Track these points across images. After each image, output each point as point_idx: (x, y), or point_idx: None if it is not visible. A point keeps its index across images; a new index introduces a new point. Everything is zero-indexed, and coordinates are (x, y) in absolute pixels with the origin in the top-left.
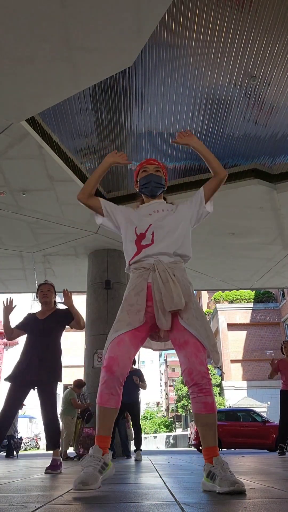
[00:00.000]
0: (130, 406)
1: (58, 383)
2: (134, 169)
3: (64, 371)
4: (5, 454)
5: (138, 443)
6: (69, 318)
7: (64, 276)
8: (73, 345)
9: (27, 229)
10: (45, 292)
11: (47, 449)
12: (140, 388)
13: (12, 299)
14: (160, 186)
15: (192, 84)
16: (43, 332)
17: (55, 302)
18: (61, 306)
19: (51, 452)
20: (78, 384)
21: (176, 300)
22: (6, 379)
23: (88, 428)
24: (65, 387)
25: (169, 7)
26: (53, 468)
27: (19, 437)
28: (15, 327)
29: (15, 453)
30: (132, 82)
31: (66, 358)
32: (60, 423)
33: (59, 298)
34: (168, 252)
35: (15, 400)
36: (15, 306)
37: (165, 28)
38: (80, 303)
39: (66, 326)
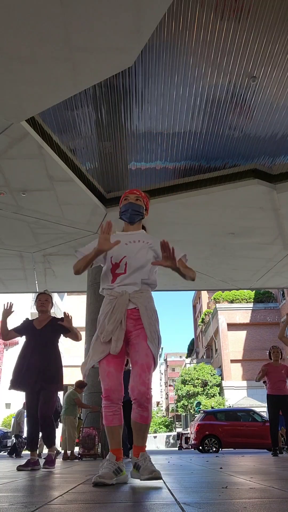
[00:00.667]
0: (126, 405)
1: (59, 392)
2: (134, 169)
3: (64, 371)
4: (7, 453)
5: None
6: (63, 331)
7: (64, 276)
8: (73, 345)
9: (27, 229)
10: (42, 301)
11: (46, 446)
12: None
13: (12, 304)
14: (138, 214)
15: (192, 84)
16: (41, 342)
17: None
18: (61, 303)
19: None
20: (80, 384)
21: (118, 344)
22: (10, 388)
23: (88, 428)
24: (66, 387)
25: (169, 7)
26: (50, 464)
27: (24, 437)
28: (13, 329)
29: (15, 454)
30: (132, 82)
31: (66, 358)
32: (61, 423)
33: (58, 298)
34: (136, 282)
35: (33, 405)
36: (13, 311)
37: (165, 28)
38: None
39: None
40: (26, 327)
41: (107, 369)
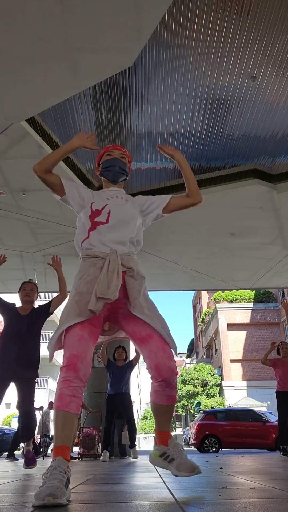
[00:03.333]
0: (121, 399)
1: (37, 378)
2: (134, 169)
3: None
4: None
5: (132, 440)
6: (47, 310)
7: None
8: None
9: (27, 229)
10: (27, 291)
11: (22, 440)
12: (129, 384)
13: (5, 256)
14: (123, 173)
15: (192, 84)
16: (24, 328)
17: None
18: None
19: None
20: None
21: (112, 289)
22: None
23: (88, 428)
24: None
25: (169, 7)
26: (30, 462)
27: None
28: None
29: (41, 454)
30: (132, 82)
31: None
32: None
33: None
34: (123, 241)
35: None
36: (6, 260)
37: (165, 28)
38: None
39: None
40: (11, 309)
41: (80, 333)
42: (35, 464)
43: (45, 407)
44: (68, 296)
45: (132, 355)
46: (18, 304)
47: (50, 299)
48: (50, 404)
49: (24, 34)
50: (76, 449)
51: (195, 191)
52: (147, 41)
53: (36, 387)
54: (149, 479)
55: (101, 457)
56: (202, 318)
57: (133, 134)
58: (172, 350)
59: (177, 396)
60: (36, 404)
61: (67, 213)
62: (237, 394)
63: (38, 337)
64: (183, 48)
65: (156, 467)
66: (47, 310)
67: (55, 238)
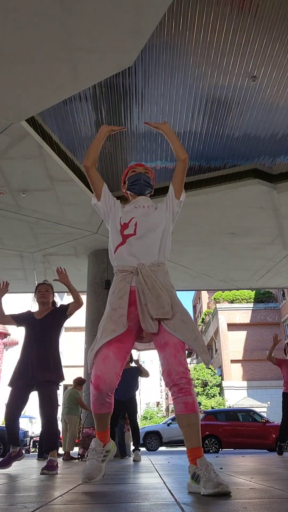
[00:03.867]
0: (127, 403)
1: (60, 383)
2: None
3: (64, 371)
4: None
5: (136, 443)
6: (65, 311)
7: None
8: (73, 345)
9: (27, 229)
10: (43, 292)
11: (46, 451)
12: (137, 386)
13: (8, 283)
14: (148, 186)
15: (192, 84)
16: (40, 332)
17: (53, 303)
18: (61, 302)
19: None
20: (79, 381)
21: (166, 309)
22: (8, 385)
23: (88, 428)
24: (65, 387)
25: (169, 7)
26: (49, 469)
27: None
28: (10, 315)
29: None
30: (132, 82)
31: (66, 358)
32: (60, 423)
33: (58, 298)
34: (151, 250)
35: (16, 405)
36: (8, 290)
37: (165, 28)
38: None
39: (68, 325)
40: (26, 318)
41: (105, 353)
42: (54, 472)
43: None
44: (106, 309)
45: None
46: (35, 308)
47: (69, 302)
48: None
49: (24, 34)
50: (76, 449)
51: (178, 149)
52: (147, 41)
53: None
54: (149, 479)
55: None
56: (202, 318)
57: (133, 134)
58: (203, 362)
59: (197, 406)
60: (37, 405)
61: (67, 213)
62: (237, 394)
63: (56, 339)
64: (183, 48)
65: (156, 467)
66: (64, 312)
67: (55, 238)
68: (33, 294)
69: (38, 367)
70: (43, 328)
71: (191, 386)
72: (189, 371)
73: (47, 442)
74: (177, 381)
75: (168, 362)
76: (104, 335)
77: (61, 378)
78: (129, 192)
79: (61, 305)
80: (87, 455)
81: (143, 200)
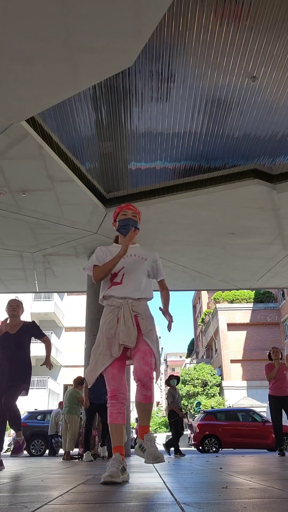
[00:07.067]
0: (102, 406)
1: (25, 392)
2: (134, 169)
3: (64, 371)
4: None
5: (103, 439)
6: (36, 333)
7: (64, 276)
8: (73, 345)
9: (27, 229)
10: (14, 307)
11: (13, 429)
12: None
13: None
14: (136, 229)
15: (192, 84)
16: (15, 345)
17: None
18: (61, 302)
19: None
20: (79, 381)
21: (132, 339)
22: None
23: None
24: (65, 387)
25: (169, 7)
26: (17, 451)
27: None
28: None
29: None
30: (132, 82)
31: (66, 358)
32: (61, 423)
33: (59, 298)
34: (133, 292)
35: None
36: None
37: (165, 28)
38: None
39: (68, 325)
40: (2, 339)
41: (111, 372)
42: (22, 452)
43: (56, 407)
44: (99, 332)
45: None
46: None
47: (38, 327)
48: (60, 404)
49: (24, 34)
50: (76, 449)
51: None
52: (147, 41)
53: (23, 394)
54: (149, 479)
55: (101, 454)
56: (202, 318)
57: (133, 134)
58: (156, 362)
59: (153, 398)
60: (37, 405)
61: (67, 213)
62: (237, 394)
63: (28, 351)
64: (183, 49)
65: (155, 467)
66: (33, 334)
67: (55, 238)
68: (5, 307)
69: (11, 377)
70: (17, 342)
71: (151, 384)
72: (154, 371)
73: (13, 424)
74: (141, 378)
75: (138, 362)
76: (105, 360)
77: (27, 390)
78: (119, 232)
79: (32, 327)
80: (107, 465)
81: (132, 249)
